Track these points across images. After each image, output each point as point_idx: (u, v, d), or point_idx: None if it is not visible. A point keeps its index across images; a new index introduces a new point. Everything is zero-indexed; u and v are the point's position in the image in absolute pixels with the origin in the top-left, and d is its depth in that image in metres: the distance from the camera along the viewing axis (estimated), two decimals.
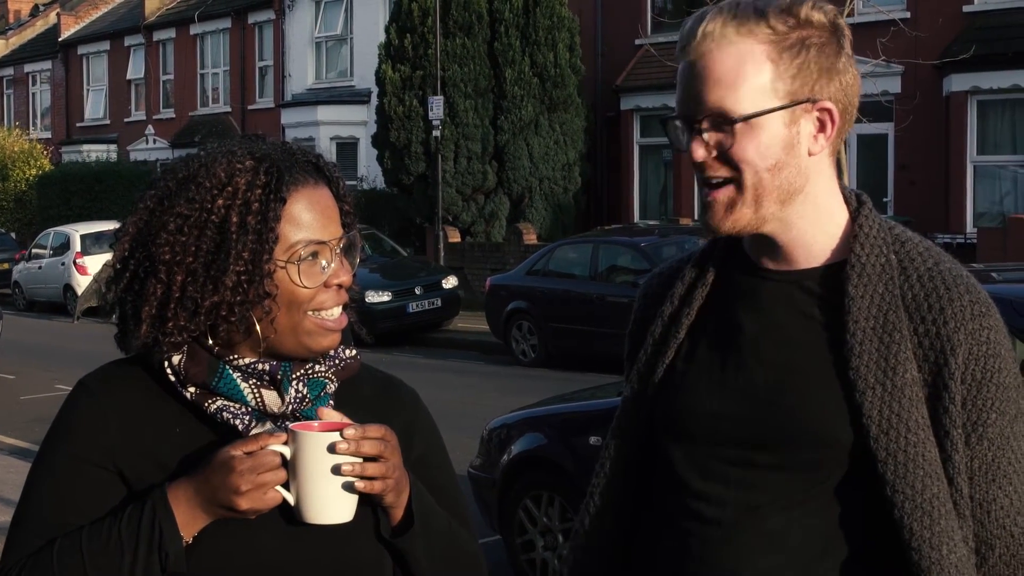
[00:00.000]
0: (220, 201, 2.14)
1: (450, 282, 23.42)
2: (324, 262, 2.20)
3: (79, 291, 29.42)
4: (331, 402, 2.26)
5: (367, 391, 2.37)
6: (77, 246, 31.31)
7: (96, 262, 29.00)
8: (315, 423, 2.14)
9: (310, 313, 2.19)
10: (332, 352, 2.28)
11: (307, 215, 2.19)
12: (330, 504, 2.10)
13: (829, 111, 2.13)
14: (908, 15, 23.66)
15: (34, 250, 33.62)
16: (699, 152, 2.14)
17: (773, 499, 2.13)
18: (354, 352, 2.35)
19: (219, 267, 2.13)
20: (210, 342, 2.18)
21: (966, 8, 24.47)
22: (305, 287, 2.17)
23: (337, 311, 2.23)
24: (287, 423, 2.17)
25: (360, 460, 2.09)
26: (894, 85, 24.33)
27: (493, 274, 22.60)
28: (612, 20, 30.34)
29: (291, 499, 2.10)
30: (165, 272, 2.13)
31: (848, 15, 19.23)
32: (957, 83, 23.59)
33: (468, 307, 24.13)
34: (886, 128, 24.68)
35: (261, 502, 2.08)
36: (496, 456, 8.27)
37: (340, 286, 2.22)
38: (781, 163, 2.12)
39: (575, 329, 18.66)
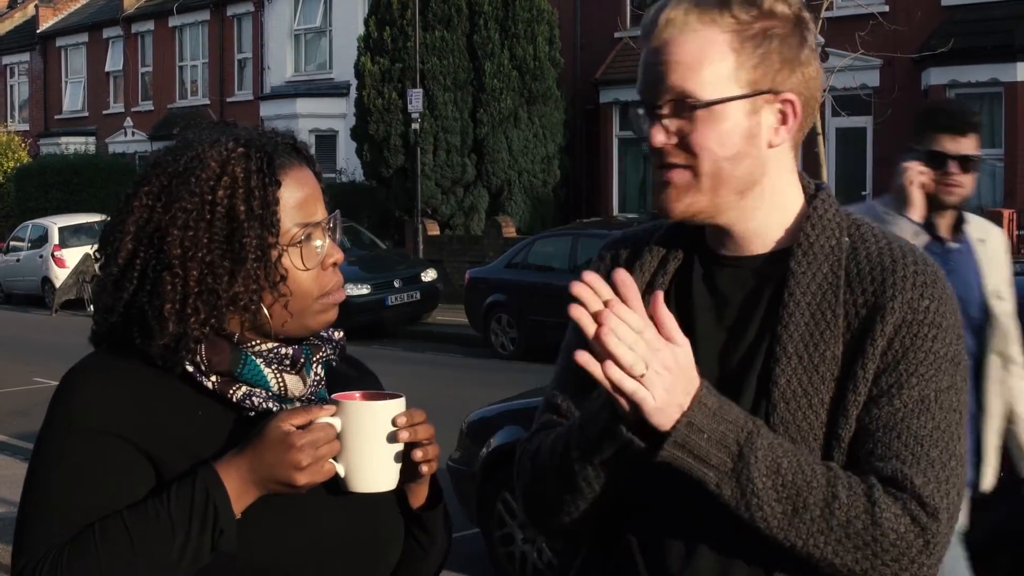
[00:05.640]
0: (221, 192, 2.15)
1: (429, 275, 23.41)
2: (319, 243, 2.23)
3: (57, 284, 29.37)
4: (323, 382, 2.31)
5: (341, 370, 2.39)
6: (55, 239, 31.21)
7: (74, 255, 28.93)
8: (356, 394, 2.19)
9: (322, 298, 2.23)
10: (326, 334, 2.33)
11: (299, 195, 2.22)
12: (379, 473, 2.14)
13: (792, 103, 2.13)
14: (887, 8, 23.73)
15: (12, 243, 33.49)
16: (658, 137, 2.14)
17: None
18: (342, 333, 2.38)
19: (234, 257, 2.14)
20: (230, 331, 2.19)
21: (944, 2, 24.50)
22: (307, 269, 2.20)
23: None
24: (329, 397, 2.22)
25: (416, 425, 2.15)
26: (873, 79, 24.39)
27: (472, 267, 22.58)
28: (591, 13, 30.34)
29: (342, 471, 2.12)
30: (180, 267, 2.13)
31: (827, 8, 19.29)
32: (935, 76, 23.63)
33: (447, 300, 24.11)
34: (865, 121, 24.74)
35: (319, 475, 2.08)
36: (475, 449, 8.26)
37: (335, 264, 2.25)
38: (741, 153, 2.12)
39: (554, 322, 18.58)
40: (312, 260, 2.21)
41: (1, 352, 20.63)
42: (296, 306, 2.20)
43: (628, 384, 1.91)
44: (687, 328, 2.17)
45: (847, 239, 2.15)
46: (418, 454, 2.16)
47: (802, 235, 2.16)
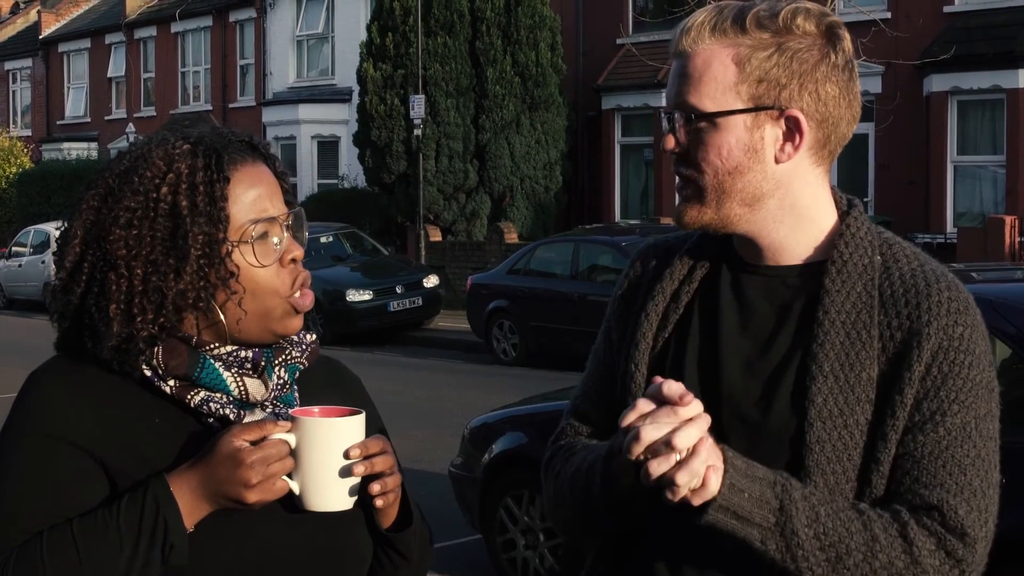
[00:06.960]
0: (165, 189, 2.11)
1: (431, 281, 23.42)
2: (276, 239, 2.18)
3: None
4: (295, 386, 2.25)
5: (318, 374, 2.34)
6: None
7: None
8: (314, 409, 2.13)
9: (287, 297, 2.17)
10: (297, 337, 2.26)
11: (252, 192, 2.17)
12: (335, 491, 2.08)
13: (796, 120, 2.12)
14: (889, 15, 23.75)
15: (14, 248, 33.53)
16: (668, 143, 2.18)
17: None
18: (314, 336, 2.33)
19: (178, 253, 2.10)
20: (188, 333, 2.14)
21: (947, 8, 24.53)
22: (263, 266, 2.15)
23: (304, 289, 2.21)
24: (284, 410, 2.16)
25: (374, 456, 2.09)
26: (875, 85, 24.39)
27: (474, 273, 22.58)
28: (594, 19, 30.34)
29: (296, 488, 2.07)
30: (125, 267, 2.09)
31: None
32: (937, 83, 23.64)
33: (449, 306, 24.14)
34: (867, 128, 24.73)
35: (270, 493, 2.03)
36: (477, 455, 8.26)
37: (295, 261, 2.19)
38: (743, 167, 2.13)
39: (556, 328, 18.66)
40: (269, 257, 2.16)
41: (2, 357, 20.62)
42: (256, 305, 2.14)
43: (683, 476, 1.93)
44: (712, 333, 2.19)
45: (879, 258, 2.16)
46: (375, 487, 2.08)
47: (835, 252, 2.16)
